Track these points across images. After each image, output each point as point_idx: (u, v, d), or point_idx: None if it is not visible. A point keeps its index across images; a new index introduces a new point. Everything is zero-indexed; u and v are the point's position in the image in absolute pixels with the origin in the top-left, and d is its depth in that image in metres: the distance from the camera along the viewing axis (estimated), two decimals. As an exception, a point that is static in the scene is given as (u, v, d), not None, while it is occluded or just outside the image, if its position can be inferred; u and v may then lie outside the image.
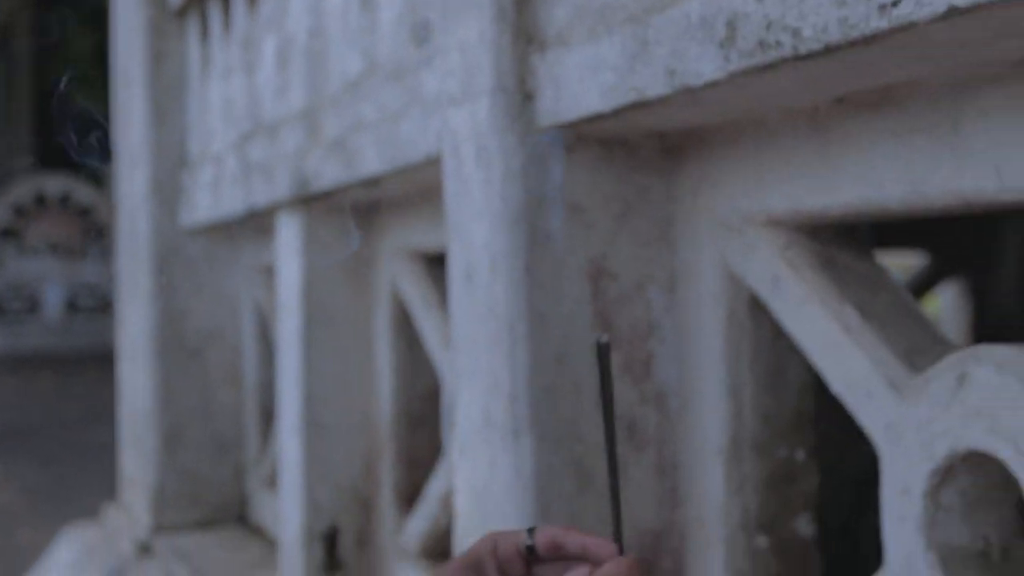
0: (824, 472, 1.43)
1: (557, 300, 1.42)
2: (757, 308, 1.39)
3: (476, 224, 1.47)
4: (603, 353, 0.89)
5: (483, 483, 1.49)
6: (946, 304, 4.26)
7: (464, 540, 1.54)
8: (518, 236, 1.39)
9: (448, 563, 1.07)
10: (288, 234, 2.37)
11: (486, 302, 1.46)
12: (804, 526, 1.42)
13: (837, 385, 1.24)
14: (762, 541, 1.40)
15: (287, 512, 2.36)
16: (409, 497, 2.27)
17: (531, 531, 0.98)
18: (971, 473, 1.13)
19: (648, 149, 1.45)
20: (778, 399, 1.41)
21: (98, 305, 14.33)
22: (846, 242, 1.34)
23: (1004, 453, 1.04)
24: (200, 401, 3.14)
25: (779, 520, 1.41)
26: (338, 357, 2.30)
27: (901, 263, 4.71)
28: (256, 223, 2.72)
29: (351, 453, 2.31)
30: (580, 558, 0.95)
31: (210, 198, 2.83)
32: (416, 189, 2.02)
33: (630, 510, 1.45)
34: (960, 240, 3.73)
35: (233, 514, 3.18)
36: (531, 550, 0.98)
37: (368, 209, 2.32)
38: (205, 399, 3.14)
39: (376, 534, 2.33)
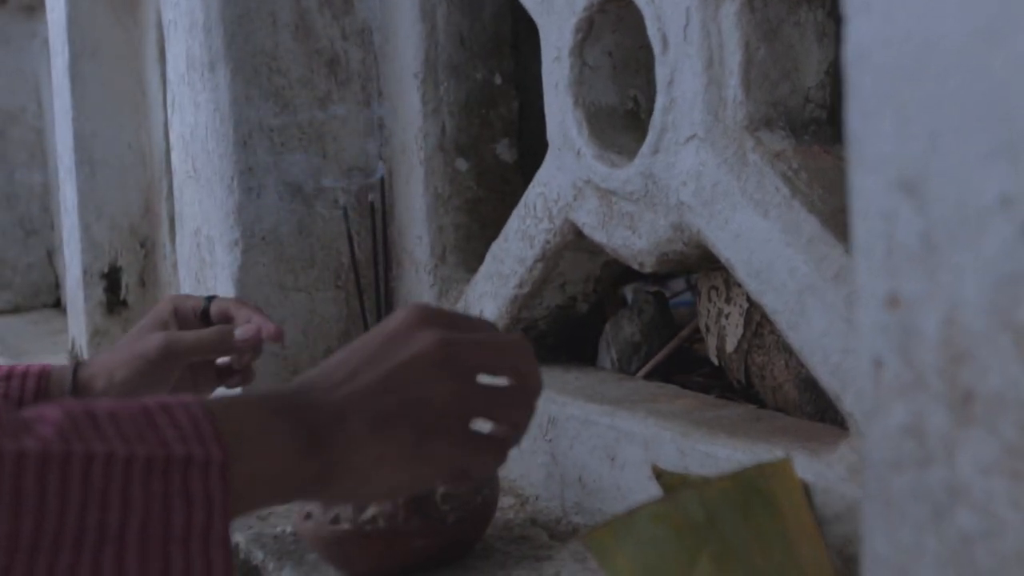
0: (524, 98, 1.44)
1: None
2: (449, -73, 1.37)
3: None
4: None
5: (190, 130, 1.48)
6: None
7: (183, 208, 1.53)
8: None
9: (137, 325, 1.14)
10: (54, -29, 2.30)
11: (178, -64, 1.43)
12: (504, 150, 1.43)
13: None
14: (461, 164, 1.40)
15: (69, 255, 2.33)
16: (186, 229, 2.25)
17: (209, 299, 1.12)
18: (615, 31, 1.14)
19: None
20: (474, 21, 1.40)
21: None
22: None
23: (628, -15, 1.05)
24: (3, 184, 3.06)
25: (479, 144, 1.42)
26: (107, 91, 2.24)
27: None
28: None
29: (127, 190, 2.27)
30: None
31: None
32: None
33: (337, 143, 1.44)
34: None
35: (48, 299, 3.13)
36: (205, 314, 1.11)
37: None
38: (9, 182, 3.07)
39: (157, 271, 2.31)
